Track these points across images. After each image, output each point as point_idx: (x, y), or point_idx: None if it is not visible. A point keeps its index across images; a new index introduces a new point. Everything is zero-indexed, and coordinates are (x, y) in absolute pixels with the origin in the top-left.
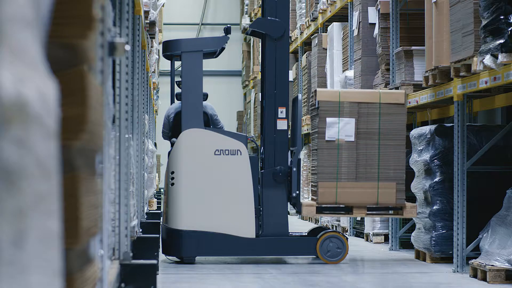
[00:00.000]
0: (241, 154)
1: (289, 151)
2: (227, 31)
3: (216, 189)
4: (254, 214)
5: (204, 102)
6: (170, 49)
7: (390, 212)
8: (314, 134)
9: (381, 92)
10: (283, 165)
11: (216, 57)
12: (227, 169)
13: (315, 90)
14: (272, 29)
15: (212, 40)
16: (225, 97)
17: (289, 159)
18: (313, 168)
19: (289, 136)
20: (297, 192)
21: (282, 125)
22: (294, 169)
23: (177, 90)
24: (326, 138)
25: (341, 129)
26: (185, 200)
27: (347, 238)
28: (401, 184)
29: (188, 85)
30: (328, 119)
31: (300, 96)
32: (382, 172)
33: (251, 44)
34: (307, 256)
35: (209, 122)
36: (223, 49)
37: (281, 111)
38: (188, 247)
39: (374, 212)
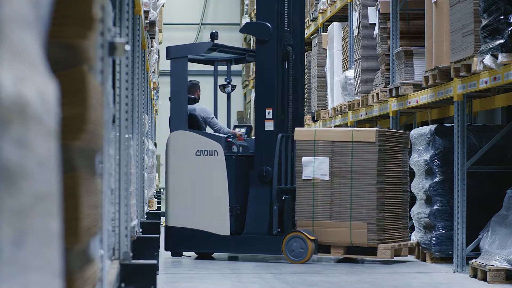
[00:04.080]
0: (217, 155)
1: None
2: (213, 36)
3: (196, 188)
4: (228, 212)
5: (196, 105)
6: (166, 55)
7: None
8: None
9: (353, 131)
10: (269, 166)
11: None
12: (205, 169)
13: (295, 129)
14: (259, 32)
15: (196, 46)
16: (225, 97)
17: (272, 195)
18: None
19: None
20: (278, 230)
21: (269, 126)
22: (275, 207)
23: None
24: (303, 177)
25: (316, 168)
26: (172, 199)
27: (312, 240)
28: (372, 224)
29: (174, 90)
30: (304, 158)
31: (280, 136)
32: (355, 211)
33: (251, 44)
34: (274, 255)
35: (199, 124)
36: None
37: (268, 112)
38: (173, 242)
39: (352, 252)
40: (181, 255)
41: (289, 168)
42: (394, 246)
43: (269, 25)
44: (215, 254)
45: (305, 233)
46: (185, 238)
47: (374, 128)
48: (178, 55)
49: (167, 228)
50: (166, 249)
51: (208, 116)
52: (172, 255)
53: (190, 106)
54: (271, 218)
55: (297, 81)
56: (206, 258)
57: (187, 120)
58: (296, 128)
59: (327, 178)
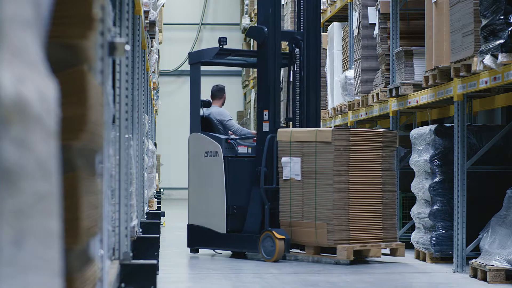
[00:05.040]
0: (218, 156)
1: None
2: (220, 42)
3: (204, 188)
4: (225, 211)
5: (212, 108)
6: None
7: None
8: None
9: (317, 131)
10: (266, 167)
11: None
12: (210, 169)
13: (278, 130)
14: (256, 35)
15: (206, 52)
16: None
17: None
18: None
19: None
20: (269, 228)
21: (265, 127)
22: (266, 206)
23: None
24: (283, 177)
25: (291, 168)
26: (191, 198)
27: (281, 239)
28: (330, 224)
29: (191, 93)
30: (283, 159)
31: (269, 136)
32: (318, 211)
33: (251, 44)
34: (252, 252)
35: (214, 126)
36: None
37: (265, 114)
38: (190, 239)
39: (321, 252)
40: (198, 251)
41: None
42: (354, 247)
43: (265, 28)
44: (247, 253)
45: (274, 232)
46: (198, 235)
47: (331, 128)
48: (194, 61)
49: (188, 226)
50: (188, 246)
51: (224, 119)
52: (190, 251)
53: (206, 109)
54: (263, 217)
55: (309, 81)
56: (239, 257)
57: (200, 122)
58: (278, 129)
59: (299, 178)
